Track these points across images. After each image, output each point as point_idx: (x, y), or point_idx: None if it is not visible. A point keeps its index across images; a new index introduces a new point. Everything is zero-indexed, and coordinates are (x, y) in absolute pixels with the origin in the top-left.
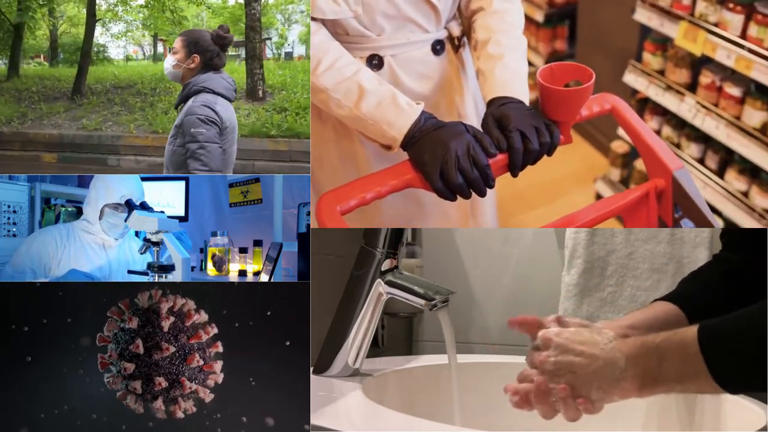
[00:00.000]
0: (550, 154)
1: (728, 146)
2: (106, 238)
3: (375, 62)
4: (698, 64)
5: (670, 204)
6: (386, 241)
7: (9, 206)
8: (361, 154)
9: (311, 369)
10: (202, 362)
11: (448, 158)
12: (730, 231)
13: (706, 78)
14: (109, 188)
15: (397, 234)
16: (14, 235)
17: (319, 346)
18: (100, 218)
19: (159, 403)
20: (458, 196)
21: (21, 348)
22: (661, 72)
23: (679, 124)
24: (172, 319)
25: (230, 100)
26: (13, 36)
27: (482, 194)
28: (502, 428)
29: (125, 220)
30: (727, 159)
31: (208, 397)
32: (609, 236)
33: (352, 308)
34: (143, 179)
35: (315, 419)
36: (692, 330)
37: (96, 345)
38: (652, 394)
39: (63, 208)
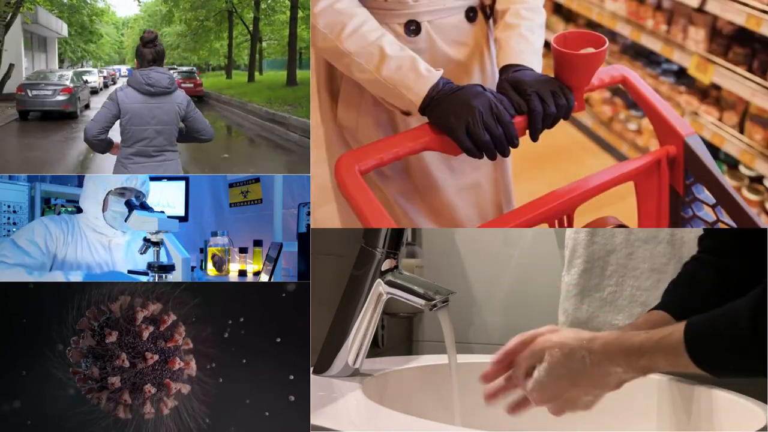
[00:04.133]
0: (567, 117)
1: None
2: (111, 235)
3: (413, 28)
4: None
5: (681, 170)
6: (386, 241)
7: (9, 206)
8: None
9: (311, 369)
10: (182, 363)
11: (474, 116)
12: (720, 232)
13: None
14: (107, 180)
15: (397, 234)
16: None
17: (319, 346)
18: (103, 210)
19: (148, 408)
20: (485, 154)
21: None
22: None
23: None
24: (151, 328)
25: (139, 92)
26: None
27: (505, 153)
28: (502, 428)
29: (125, 220)
30: None
31: (185, 389)
32: (609, 236)
33: (352, 308)
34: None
35: (315, 419)
36: (678, 331)
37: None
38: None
39: (63, 208)
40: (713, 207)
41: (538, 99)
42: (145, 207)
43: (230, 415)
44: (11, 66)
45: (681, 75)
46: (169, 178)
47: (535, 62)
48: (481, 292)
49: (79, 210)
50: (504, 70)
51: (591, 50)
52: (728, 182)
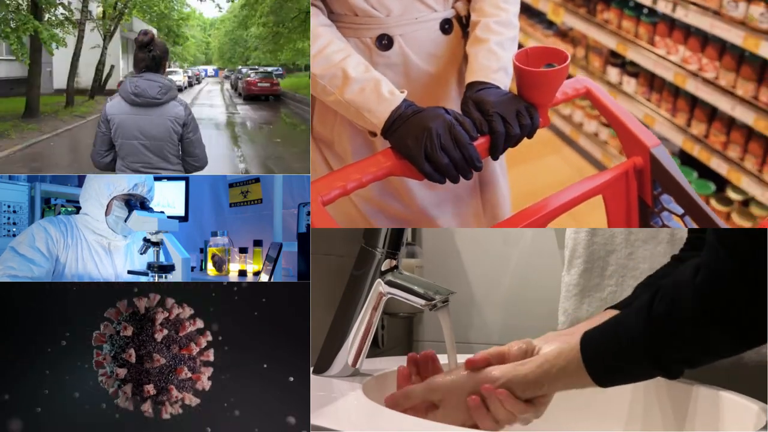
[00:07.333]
0: (530, 136)
1: None
2: (112, 237)
3: (384, 42)
4: None
5: (648, 181)
6: (386, 241)
7: (9, 206)
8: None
9: (311, 369)
10: (190, 374)
11: (431, 140)
12: (703, 230)
13: None
14: (110, 180)
15: (397, 234)
16: (14, 235)
17: (319, 346)
18: (106, 214)
19: (147, 406)
20: (447, 178)
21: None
22: None
23: None
24: (165, 331)
25: (126, 102)
26: None
27: (467, 177)
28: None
29: (125, 221)
30: None
31: (193, 401)
32: (609, 236)
33: (352, 308)
34: None
35: (315, 419)
36: (576, 341)
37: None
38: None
39: (63, 208)
40: (681, 217)
41: (500, 120)
42: (144, 207)
43: (228, 414)
44: (112, 67)
45: (552, 22)
46: (169, 178)
47: (503, 79)
48: (481, 292)
49: (78, 210)
50: (469, 87)
51: (554, 66)
52: (694, 192)
